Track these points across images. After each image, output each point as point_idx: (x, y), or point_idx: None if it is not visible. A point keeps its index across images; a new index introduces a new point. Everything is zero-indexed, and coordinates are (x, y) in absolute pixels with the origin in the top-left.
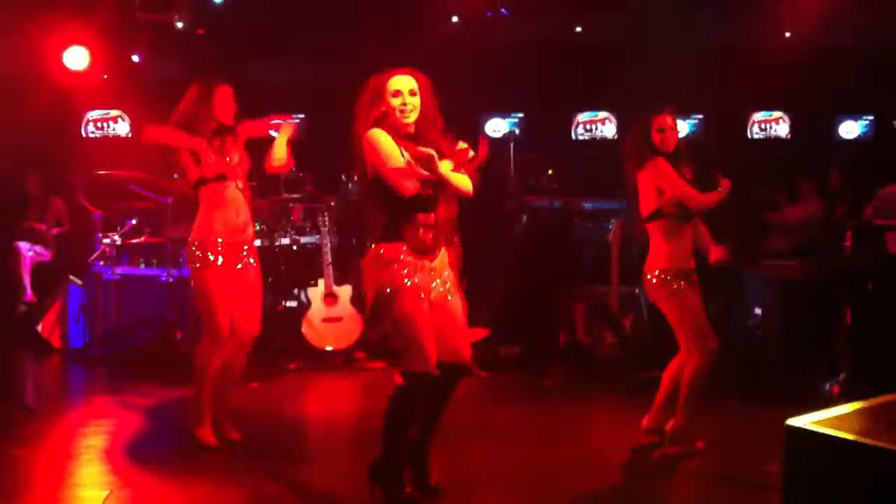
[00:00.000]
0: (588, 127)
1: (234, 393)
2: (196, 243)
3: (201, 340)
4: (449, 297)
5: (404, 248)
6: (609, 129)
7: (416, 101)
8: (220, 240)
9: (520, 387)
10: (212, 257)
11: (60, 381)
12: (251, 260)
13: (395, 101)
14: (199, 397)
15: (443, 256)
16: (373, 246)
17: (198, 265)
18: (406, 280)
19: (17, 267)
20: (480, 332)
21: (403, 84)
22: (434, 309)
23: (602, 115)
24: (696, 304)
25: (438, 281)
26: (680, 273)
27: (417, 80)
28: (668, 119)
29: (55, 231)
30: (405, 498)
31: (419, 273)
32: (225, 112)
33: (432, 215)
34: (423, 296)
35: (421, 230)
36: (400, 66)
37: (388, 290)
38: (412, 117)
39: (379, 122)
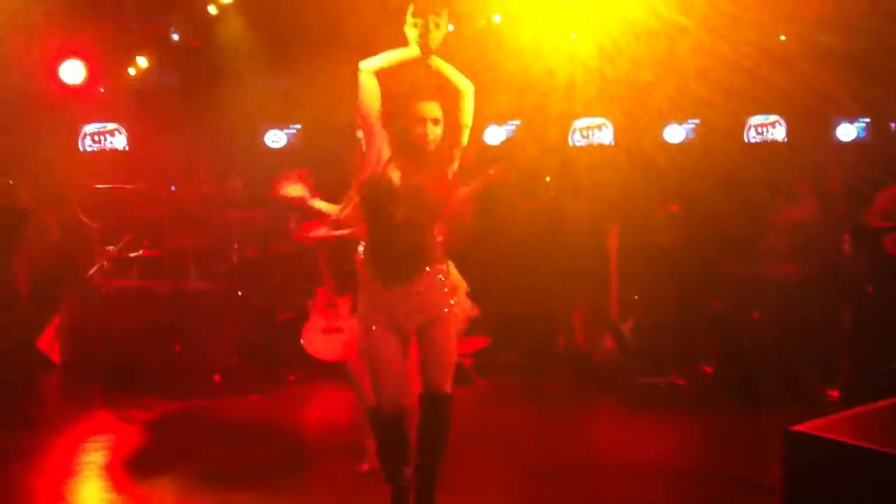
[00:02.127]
0: (585, 133)
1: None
2: None
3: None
4: (437, 327)
5: (376, 276)
6: (606, 135)
7: (439, 130)
8: None
9: (519, 393)
10: None
11: (60, 396)
12: None
13: (418, 129)
14: None
15: (429, 278)
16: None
17: None
18: (373, 317)
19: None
20: (480, 341)
21: (429, 112)
22: (415, 337)
23: (599, 121)
24: None
25: (421, 308)
26: None
27: (442, 107)
28: None
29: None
30: None
31: (390, 304)
32: None
33: (407, 238)
34: (388, 327)
35: (394, 253)
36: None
37: (362, 322)
38: (432, 146)
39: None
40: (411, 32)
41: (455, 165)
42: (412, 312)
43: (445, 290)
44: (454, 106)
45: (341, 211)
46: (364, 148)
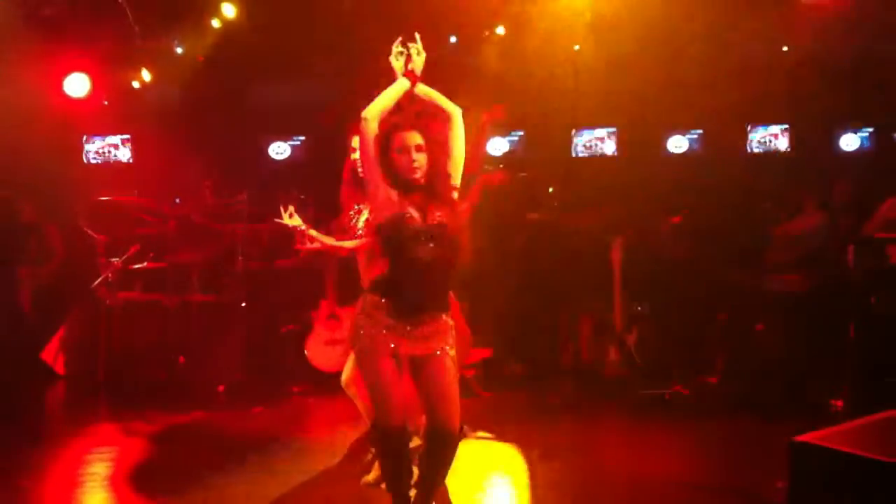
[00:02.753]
0: (588, 144)
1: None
2: None
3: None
4: (435, 361)
5: (386, 307)
6: (609, 146)
7: (423, 157)
8: None
9: (523, 405)
10: None
11: (64, 408)
12: None
13: (403, 159)
14: None
15: (437, 324)
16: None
17: None
18: (374, 340)
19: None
20: (483, 352)
21: (409, 141)
22: (416, 371)
23: (602, 131)
24: None
25: (420, 345)
26: None
27: (423, 135)
28: None
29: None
30: None
31: (393, 334)
32: None
33: (430, 277)
34: (391, 351)
35: (414, 292)
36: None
37: (358, 343)
38: (419, 174)
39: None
40: (398, 62)
41: (456, 195)
42: (411, 348)
43: (450, 333)
44: (445, 133)
45: (347, 244)
46: (370, 191)
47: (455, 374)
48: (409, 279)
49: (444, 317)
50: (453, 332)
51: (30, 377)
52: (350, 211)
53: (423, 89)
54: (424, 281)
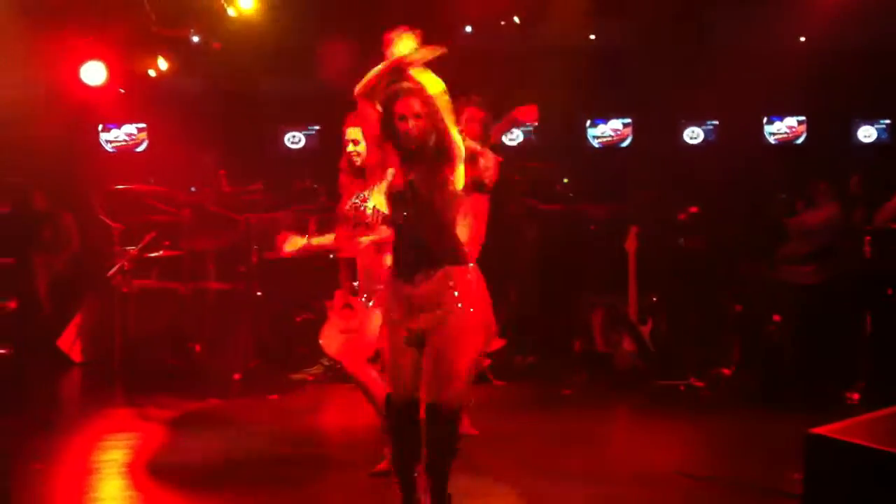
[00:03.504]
0: (603, 134)
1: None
2: None
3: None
4: (438, 331)
5: (393, 273)
6: (624, 136)
7: (420, 123)
8: None
9: (536, 395)
10: None
11: (80, 395)
12: None
13: (402, 126)
14: None
15: (438, 283)
16: None
17: None
18: (389, 310)
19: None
20: (496, 342)
21: (408, 107)
22: (424, 340)
23: (618, 122)
24: None
25: (424, 309)
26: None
27: (424, 102)
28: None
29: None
30: None
31: (398, 302)
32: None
33: (412, 238)
34: (399, 323)
35: (401, 250)
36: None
37: (383, 315)
38: (415, 142)
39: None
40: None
41: (458, 164)
42: (416, 312)
43: (455, 293)
44: (436, 104)
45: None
46: (379, 163)
47: (461, 345)
48: (399, 241)
49: (442, 272)
50: (465, 290)
51: (46, 364)
52: (350, 199)
53: (416, 72)
54: (408, 241)
